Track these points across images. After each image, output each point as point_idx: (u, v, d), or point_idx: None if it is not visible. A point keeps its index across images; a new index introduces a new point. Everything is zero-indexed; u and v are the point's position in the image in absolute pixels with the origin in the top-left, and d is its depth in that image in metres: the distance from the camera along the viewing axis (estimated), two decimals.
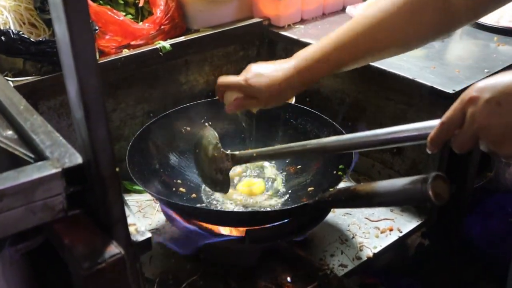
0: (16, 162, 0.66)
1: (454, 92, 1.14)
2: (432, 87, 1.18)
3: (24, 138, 0.71)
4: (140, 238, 0.64)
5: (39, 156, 0.66)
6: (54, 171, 0.59)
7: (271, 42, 1.61)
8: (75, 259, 0.56)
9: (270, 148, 1.09)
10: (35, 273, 0.76)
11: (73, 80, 0.51)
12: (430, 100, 1.20)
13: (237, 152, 1.09)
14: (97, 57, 1.29)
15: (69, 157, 0.62)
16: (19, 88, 1.11)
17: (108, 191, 0.57)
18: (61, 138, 0.68)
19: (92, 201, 0.61)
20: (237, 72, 1.61)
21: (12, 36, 1.15)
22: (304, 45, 1.47)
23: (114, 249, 0.57)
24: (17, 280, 0.71)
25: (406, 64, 1.29)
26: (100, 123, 0.53)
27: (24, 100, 0.84)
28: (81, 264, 0.55)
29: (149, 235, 0.65)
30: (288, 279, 1.09)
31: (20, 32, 1.17)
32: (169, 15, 1.44)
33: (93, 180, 0.58)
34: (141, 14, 1.48)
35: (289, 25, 1.59)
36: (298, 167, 1.26)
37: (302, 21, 1.63)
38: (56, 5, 0.49)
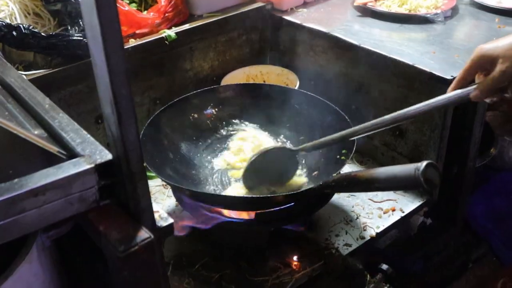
0: (48, 159, 0.79)
1: (452, 78, 1.26)
2: (431, 73, 1.29)
3: (54, 136, 0.83)
4: (164, 223, 0.77)
5: (70, 153, 0.79)
6: (88, 167, 0.72)
7: (274, 27, 1.71)
8: (111, 243, 0.69)
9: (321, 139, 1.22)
10: (63, 258, 0.89)
11: (108, 92, 0.63)
12: (430, 86, 1.32)
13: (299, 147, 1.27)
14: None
15: (100, 154, 0.74)
16: (31, 82, 1.22)
17: (137, 185, 0.70)
18: (89, 136, 0.80)
19: (121, 192, 0.74)
20: (240, 56, 1.73)
21: (23, 31, 1.26)
22: (306, 30, 1.59)
23: (144, 234, 0.70)
24: (49, 264, 0.83)
25: (407, 49, 1.40)
26: (131, 127, 0.65)
27: (47, 98, 0.95)
28: (117, 248, 0.68)
29: (171, 220, 0.77)
30: (295, 258, 1.22)
31: (31, 27, 1.28)
32: (172, 2, 1.54)
33: (124, 175, 0.70)
34: (144, 2, 1.59)
35: (291, 9, 1.69)
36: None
37: (305, 3, 1.73)
38: (93, 27, 0.60)
